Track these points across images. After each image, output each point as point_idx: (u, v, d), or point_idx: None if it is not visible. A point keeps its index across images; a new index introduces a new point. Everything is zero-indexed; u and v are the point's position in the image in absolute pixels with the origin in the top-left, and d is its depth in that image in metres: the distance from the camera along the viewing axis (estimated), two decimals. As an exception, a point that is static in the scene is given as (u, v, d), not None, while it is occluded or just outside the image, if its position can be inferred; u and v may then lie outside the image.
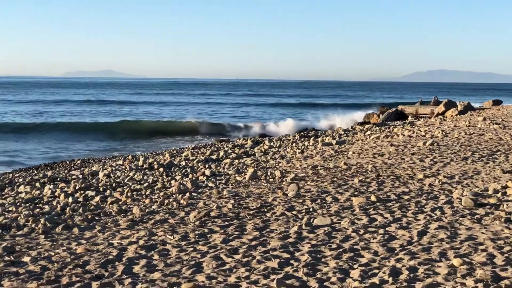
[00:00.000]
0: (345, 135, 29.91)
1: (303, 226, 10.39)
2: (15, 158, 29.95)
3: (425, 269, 7.90)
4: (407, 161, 17.88)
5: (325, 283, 7.45)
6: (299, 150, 23.17)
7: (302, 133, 35.80)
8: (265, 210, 12.08)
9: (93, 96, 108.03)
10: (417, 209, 11.53)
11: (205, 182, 16.22)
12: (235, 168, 19.09)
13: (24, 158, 29.92)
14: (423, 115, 45.64)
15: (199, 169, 19.31)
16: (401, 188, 13.75)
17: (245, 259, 8.64)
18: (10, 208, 13.38)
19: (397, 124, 35.76)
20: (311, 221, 10.71)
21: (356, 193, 13.31)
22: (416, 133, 27.10)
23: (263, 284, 7.50)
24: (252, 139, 32.41)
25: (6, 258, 9.03)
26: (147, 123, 49.60)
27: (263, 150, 24.85)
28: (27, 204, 13.88)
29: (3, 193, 16.10)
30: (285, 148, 25.08)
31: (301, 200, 12.80)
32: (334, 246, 9.17)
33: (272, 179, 16.08)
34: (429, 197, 12.64)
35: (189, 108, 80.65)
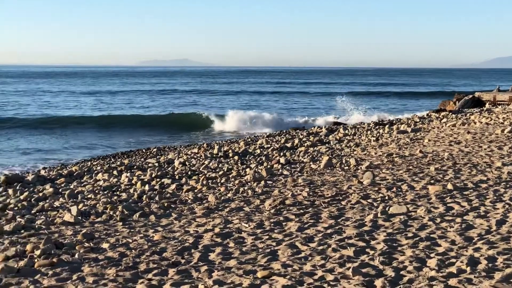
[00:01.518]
0: (420, 122, 29.52)
1: (379, 215, 10.33)
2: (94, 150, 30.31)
3: (504, 259, 7.76)
4: (485, 149, 17.56)
5: (401, 272, 7.39)
6: (374, 138, 22.99)
7: (377, 121, 35.45)
8: (340, 198, 12.04)
9: (168, 85, 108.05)
10: (495, 197, 11.32)
11: (280, 170, 16.24)
12: (310, 156, 19.05)
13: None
14: (501, 102, 44.68)
15: (274, 157, 19.33)
16: (478, 176, 13.51)
17: (321, 247, 8.63)
18: (89, 196, 13.64)
19: (474, 112, 35.06)
20: (387, 209, 10.63)
21: (432, 181, 13.14)
22: (494, 120, 26.57)
23: (339, 273, 7.48)
24: (326, 127, 32.29)
25: (86, 244, 9.22)
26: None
27: (337, 138, 24.73)
28: (105, 192, 14.13)
29: (82, 180, 16.41)
30: (359, 136, 24.91)
31: (376, 188, 12.71)
32: (410, 234, 9.08)
33: (347, 167, 16.00)
34: (508, 185, 12.39)
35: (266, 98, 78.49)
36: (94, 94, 76.47)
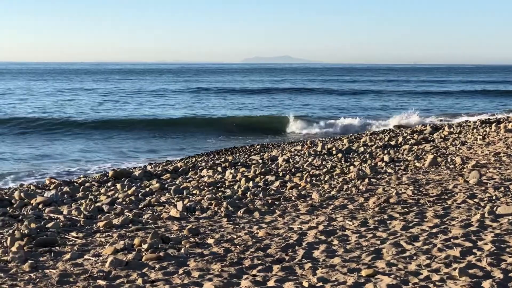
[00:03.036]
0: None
1: (486, 215, 10.12)
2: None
3: None
4: None
5: (510, 274, 7.22)
6: (480, 137, 22.52)
7: (484, 119, 34.67)
8: (446, 197, 11.86)
9: (269, 82, 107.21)
10: None
11: (384, 168, 16.12)
12: (414, 154, 18.82)
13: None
14: None
15: (377, 155, 19.19)
16: None
17: (426, 247, 8.52)
18: (194, 191, 13.85)
19: None
20: (494, 209, 10.40)
21: (542, 181, 12.79)
22: None
23: (445, 273, 7.37)
24: (431, 125, 31.80)
25: (192, 239, 9.37)
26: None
27: (442, 136, 24.35)
28: (210, 188, 14.31)
29: (187, 176, 16.68)
30: (465, 134, 24.45)
31: (483, 188, 12.46)
32: (519, 236, 8.87)
33: (452, 166, 15.75)
34: None
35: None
36: (195, 93, 76.15)
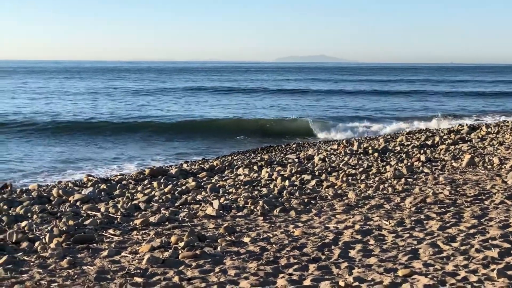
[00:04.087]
0: None
1: (525, 216, 10.03)
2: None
3: None
4: None
5: (549, 275, 7.15)
6: (519, 136, 22.31)
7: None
8: (483, 197, 11.77)
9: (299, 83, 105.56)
10: None
11: (421, 168, 16.04)
12: (451, 154, 18.69)
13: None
14: None
15: (414, 154, 19.09)
16: None
17: (463, 247, 8.46)
18: (230, 190, 13.88)
19: None
20: (533, 210, 10.31)
21: None
22: None
23: (483, 274, 7.31)
24: (468, 125, 31.55)
25: (228, 238, 9.40)
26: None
27: (480, 136, 24.15)
28: (246, 186, 14.33)
29: (223, 175, 16.72)
30: (503, 135, 24.22)
31: (522, 189, 12.34)
32: (558, 237, 8.78)
33: (490, 166, 15.62)
34: None
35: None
36: (229, 93, 75.29)
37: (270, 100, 62.79)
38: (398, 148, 20.99)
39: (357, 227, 9.85)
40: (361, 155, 19.70)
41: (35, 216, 11.42)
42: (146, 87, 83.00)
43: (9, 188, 16.03)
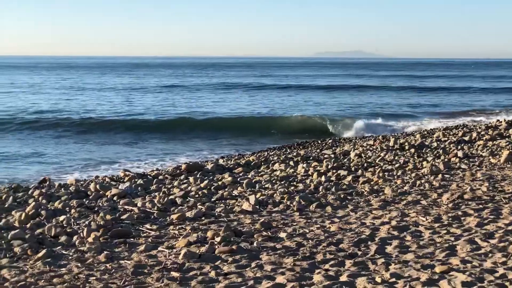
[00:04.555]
0: None
1: None
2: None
3: None
4: None
5: None
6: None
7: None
8: (522, 194, 11.65)
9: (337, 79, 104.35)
10: None
11: (458, 164, 15.91)
12: (489, 150, 18.52)
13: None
14: None
15: (451, 150, 18.93)
16: None
17: (502, 244, 8.39)
18: (266, 185, 13.88)
19: None
20: None
21: None
22: None
23: (521, 271, 7.25)
24: (507, 120, 31.22)
25: (264, 233, 9.41)
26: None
27: (518, 131, 23.88)
28: (282, 182, 14.32)
29: (259, 170, 16.73)
30: (543, 130, 23.94)
31: (561, 185, 12.19)
32: None
33: (529, 162, 15.45)
34: None
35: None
36: (256, 89, 73.71)
37: (304, 96, 62.37)
38: (435, 144, 20.83)
39: (393, 223, 9.80)
40: (398, 150, 19.59)
41: (73, 211, 11.53)
42: (183, 83, 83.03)
43: (47, 182, 16.18)
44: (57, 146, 28.56)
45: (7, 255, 8.55)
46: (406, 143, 20.89)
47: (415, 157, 17.73)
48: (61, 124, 36.68)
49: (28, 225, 10.36)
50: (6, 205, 12.38)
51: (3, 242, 9.19)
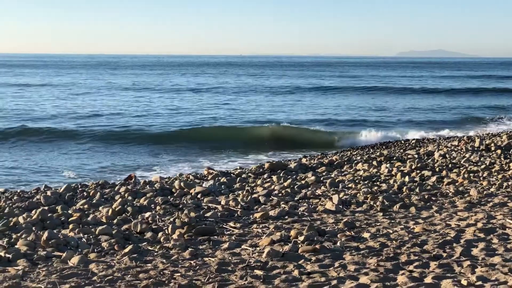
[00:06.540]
0: None
1: None
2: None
3: None
4: None
5: None
6: None
7: None
8: None
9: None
10: None
11: (546, 166, 15.55)
12: None
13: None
14: None
15: (539, 152, 18.50)
16: None
17: None
18: (349, 185, 13.82)
19: None
20: None
21: None
22: None
23: None
24: None
25: (347, 233, 9.38)
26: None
27: None
28: (365, 182, 14.24)
29: (342, 170, 16.67)
30: None
31: None
32: None
33: None
34: None
35: None
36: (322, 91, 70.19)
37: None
38: (522, 145, 20.36)
39: (479, 225, 9.65)
40: (483, 151, 19.24)
41: (158, 208, 11.71)
42: (266, 83, 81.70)
43: (133, 179, 16.48)
44: (140, 146, 28.81)
45: (95, 250, 8.76)
46: (492, 144, 20.49)
47: (502, 158, 17.38)
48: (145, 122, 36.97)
49: (114, 221, 10.59)
50: (94, 201, 12.69)
51: (91, 237, 9.41)
